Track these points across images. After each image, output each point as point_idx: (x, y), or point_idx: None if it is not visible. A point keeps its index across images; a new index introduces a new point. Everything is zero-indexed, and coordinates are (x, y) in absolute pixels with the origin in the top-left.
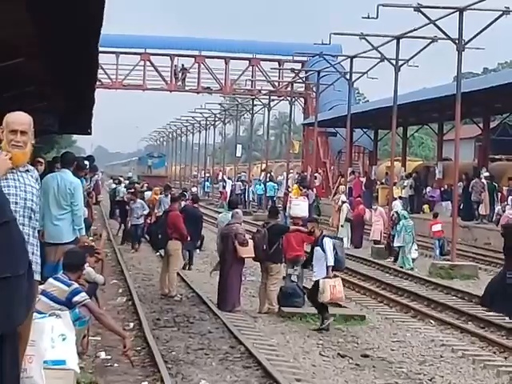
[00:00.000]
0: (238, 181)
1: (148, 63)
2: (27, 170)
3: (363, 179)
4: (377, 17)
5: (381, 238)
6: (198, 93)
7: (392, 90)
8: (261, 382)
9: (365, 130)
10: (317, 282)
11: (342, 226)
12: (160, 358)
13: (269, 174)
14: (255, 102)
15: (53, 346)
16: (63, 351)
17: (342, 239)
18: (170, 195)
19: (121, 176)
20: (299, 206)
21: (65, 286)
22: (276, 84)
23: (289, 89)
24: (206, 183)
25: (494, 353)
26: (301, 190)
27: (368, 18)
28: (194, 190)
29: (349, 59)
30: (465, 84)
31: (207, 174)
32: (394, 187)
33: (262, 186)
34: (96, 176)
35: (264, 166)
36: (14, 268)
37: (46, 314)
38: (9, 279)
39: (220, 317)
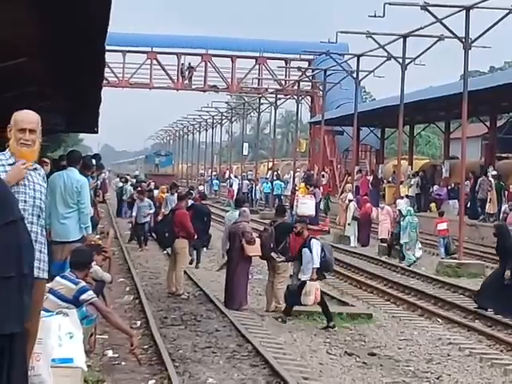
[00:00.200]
0: (244, 179)
1: (155, 62)
2: (35, 169)
3: (370, 178)
4: (383, 15)
5: (388, 236)
6: (204, 91)
7: (399, 88)
8: (268, 380)
9: (371, 129)
10: (303, 283)
11: (349, 224)
12: (167, 356)
13: (276, 173)
14: (262, 101)
15: (60, 344)
16: (70, 349)
17: (349, 237)
18: (176, 193)
19: (127, 174)
20: (306, 205)
21: (72, 285)
22: (283, 82)
23: (295, 87)
24: (215, 181)
25: (502, 351)
26: (308, 189)
27: (375, 16)
28: (200, 188)
29: (355, 58)
30: (471, 82)
31: (214, 173)
32: (400, 186)
33: (269, 184)
34: (103, 174)
35: (271, 164)
36: (18, 268)
37: (53, 312)
38: (13, 279)
39: (227, 315)
